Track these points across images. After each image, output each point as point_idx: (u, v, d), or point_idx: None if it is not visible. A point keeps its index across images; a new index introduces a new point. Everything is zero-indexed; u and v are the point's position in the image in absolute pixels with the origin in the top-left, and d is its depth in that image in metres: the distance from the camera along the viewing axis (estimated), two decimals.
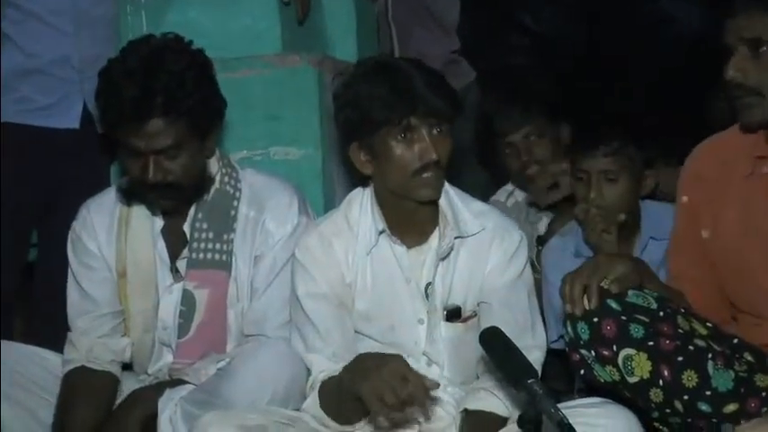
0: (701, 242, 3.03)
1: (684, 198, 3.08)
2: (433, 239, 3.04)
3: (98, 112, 3.21)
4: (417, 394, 2.64)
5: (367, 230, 3.03)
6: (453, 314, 3.02)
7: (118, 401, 3.21)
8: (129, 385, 3.27)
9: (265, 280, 3.22)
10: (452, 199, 3.05)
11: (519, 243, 3.06)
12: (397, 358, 2.72)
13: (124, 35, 3.80)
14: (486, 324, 2.89)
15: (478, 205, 3.12)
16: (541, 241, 3.77)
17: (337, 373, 2.87)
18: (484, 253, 3.03)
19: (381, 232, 3.03)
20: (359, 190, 3.10)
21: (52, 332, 3.45)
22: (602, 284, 2.77)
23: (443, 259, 3.02)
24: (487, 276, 3.03)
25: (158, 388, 3.16)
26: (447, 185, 3.06)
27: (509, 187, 4.06)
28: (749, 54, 2.79)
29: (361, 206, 3.06)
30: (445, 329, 3.01)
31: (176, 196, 3.17)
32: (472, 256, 3.04)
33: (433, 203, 3.02)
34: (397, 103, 2.90)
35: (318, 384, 2.93)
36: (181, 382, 3.16)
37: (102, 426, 3.14)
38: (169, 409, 3.05)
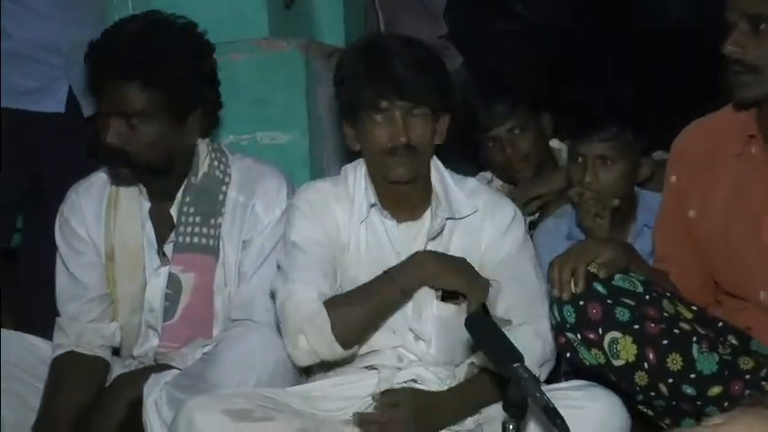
0: (688, 223, 3.03)
1: (673, 178, 3.09)
2: (426, 217, 3.05)
3: (88, 66, 3.19)
4: None
5: (361, 201, 3.04)
6: (450, 295, 3.01)
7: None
8: (114, 370, 3.27)
9: (253, 264, 3.21)
10: (445, 180, 3.06)
11: (513, 217, 3.08)
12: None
13: (111, 19, 3.78)
14: (499, 299, 2.95)
15: (470, 183, 3.13)
16: (533, 226, 3.76)
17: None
18: (477, 231, 3.04)
19: (372, 205, 3.03)
20: (355, 162, 3.12)
21: (39, 318, 3.45)
22: (589, 268, 2.77)
23: (434, 239, 3.02)
24: (485, 254, 3.04)
25: (144, 373, 3.16)
26: (441, 167, 3.07)
27: (487, 174, 4.05)
28: (749, 30, 2.78)
29: (355, 178, 3.08)
30: (437, 308, 3.00)
31: (132, 168, 3.14)
32: (466, 237, 3.05)
33: (422, 182, 3.03)
34: (373, 85, 2.93)
35: (319, 309, 2.90)
36: (166, 366, 3.15)
37: (88, 410, 3.14)
38: (154, 393, 3.05)
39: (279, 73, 3.78)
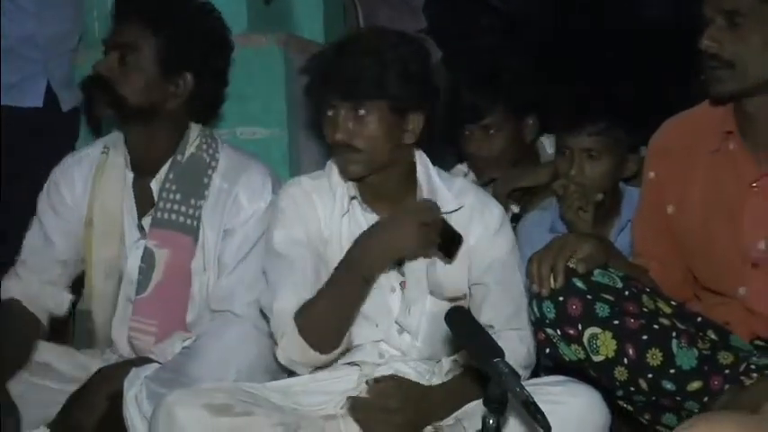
0: (667, 218, 3.05)
1: (651, 174, 3.10)
2: None
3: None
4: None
5: (342, 195, 3.03)
6: (448, 243, 2.97)
7: (83, 380, 3.17)
8: (94, 364, 3.25)
9: (235, 256, 3.22)
10: (431, 175, 3.04)
11: (501, 218, 3.07)
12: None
13: (89, 13, 3.78)
14: (484, 305, 2.94)
15: (458, 182, 3.11)
16: (516, 219, 3.77)
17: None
18: (465, 230, 3.01)
19: (353, 198, 3.03)
20: None
21: None
22: (568, 264, 2.78)
23: None
24: (473, 254, 3.02)
25: (124, 366, 3.15)
26: (427, 162, 3.06)
27: (464, 168, 4.05)
28: (725, 25, 2.80)
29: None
30: (430, 304, 3.00)
31: (112, 106, 3.17)
32: None
33: (398, 176, 3.01)
34: (322, 83, 2.93)
35: (294, 318, 2.90)
36: (147, 360, 3.16)
37: (68, 404, 3.13)
38: (135, 387, 3.05)
39: (258, 68, 3.78)
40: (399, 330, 3.01)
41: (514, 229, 3.56)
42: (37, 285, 3.27)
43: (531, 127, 3.92)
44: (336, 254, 3.00)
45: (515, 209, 3.87)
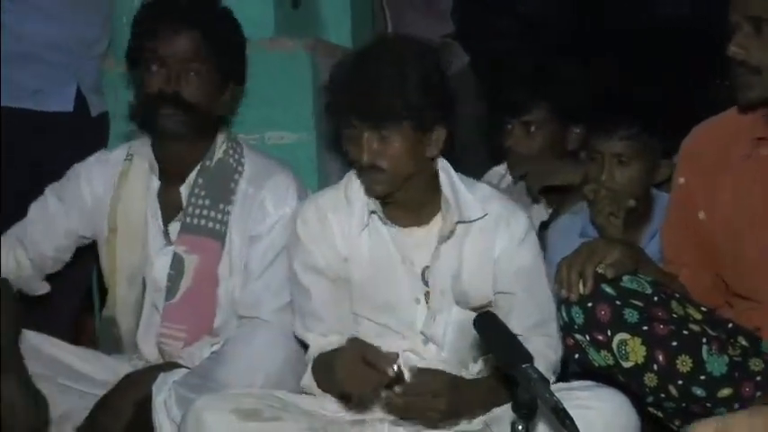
0: (697, 224, 3.03)
1: (681, 179, 3.09)
2: (435, 222, 3.02)
3: (134, 21, 3.30)
4: (378, 366, 2.72)
5: (362, 209, 3.02)
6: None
7: (112, 385, 3.18)
8: (121, 369, 3.26)
9: (261, 263, 3.22)
10: (455, 183, 3.02)
11: (527, 226, 3.04)
12: (351, 344, 2.83)
13: (118, 19, 3.79)
14: (511, 314, 2.92)
15: (483, 189, 3.08)
16: (545, 227, 3.75)
17: (328, 349, 2.93)
18: (490, 238, 3.01)
19: (372, 212, 3.02)
20: None
21: None
22: (597, 269, 2.77)
23: (444, 243, 3.00)
24: (499, 262, 3.01)
25: (151, 372, 3.17)
26: (450, 171, 3.03)
27: (501, 169, 4.05)
28: (752, 32, 2.79)
29: (360, 183, 3.03)
30: (455, 313, 3.00)
31: (183, 118, 3.19)
32: (478, 243, 3.01)
33: (423, 188, 2.99)
34: (344, 103, 2.90)
35: (311, 364, 2.97)
36: (175, 365, 3.16)
37: (96, 409, 3.14)
38: (163, 392, 3.06)
39: (285, 73, 3.77)
40: (425, 341, 3.01)
41: (544, 235, 3.57)
42: (25, 264, 3.31)
43: (577, 136, 3.90)
44: (357, 267, 3.02)
45: (545, 215, 3.86)
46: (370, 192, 2.97)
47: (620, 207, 3.41)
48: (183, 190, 3.26)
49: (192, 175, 3.26)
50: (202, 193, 3.25)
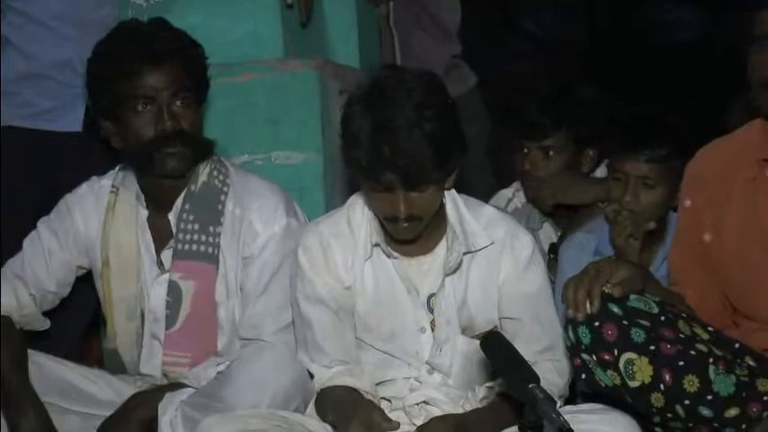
0: (704, 247, 3.02)
1: (687, 202, 3.08)
2: (440, 249, 3.00)
3: (101, 68, 3.21)
4: None
5: (365, 239, 3.00)
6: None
7: (117, 405, 3.18)
8: (127, 390, 3.26)
9: (257, 285, 3.21)
10: (461, 212, 2.99)
11: (532, 249, 3.01)
12: (369, 410, 2.81)
13: None
14: (517, 339, 2.87)
15: (488, 212, 3.05)
16: (553, 249, 3.74)
17: (330, 384, 2.95)
18: (495, 264, 2.99)
19: (376, 245, 3.00)
20: (361, 193, 3.04)
21: None
22: (604, 289, 2.76)
23: (451, 274, 2.98)
24: (503, 287, 2.99)
25: (157, 392, 3.16)
26: (456, 198, 3.01)
27: (508, 193, 4.04)
28: None
29: (363, 211, 3.02)
30: (462, 343, 2.98)
31: (185, 149, 3.17)
32: (484, 270, 2.99)
33: (433, 219, 2.95)
34: (378, 169, 2.79)
35: (314, 397, 2.98)
36: (181, 385, 3.15)
37: (101, 429, 3.13)
38: (169, 412, 3.05)
39: (293, 93, 3.78)
40: (429, 371, 3.00)
41: (551, 261, 3.55)
42: (25, 301, 3.29)
43: (591, 158, 3.89)
44: (360, 298, 3.01)
45: (554, 236, 3.85)
46: (401, 236, 2.94)
47: (641, 229, 3.40)
48: (172, 217, 3.25)
49: (179, 201, 3.24)
50: (191, 218, 3.23)
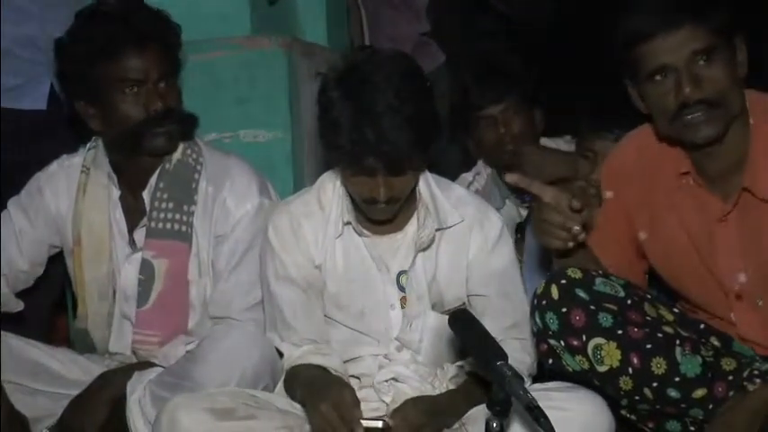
0: (637, 242, 3.03)
1: (609, 193, 3.06)
2: (410, 227, 3.02)
3: (82, 51, 3.17)
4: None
5: (336, 217, 3.01)
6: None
7: (86, 385, 3.17)
8: (96, 369, 3.25)
9: (228, 262, 3.22)
10: (433, 189, 3.03)
11: (500, 229, 3.04)
12: (340, 390, 2.79)
13: None
14: (485, 316, 2.90)
15: (457, 192, 3.09)
16: (520, 229, 3.76)
17: (299, 363, 2.94)
18: (464, 242, 3.02)
19: (347, 223, 3.02)
20: (333, 172, 3.07)
21: None
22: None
23: (424, 250, 3.01)
24: (472, 265, 3.02)
25: (126, 371, 3.16)
26: (428, 176, 3.03)
27: (469, 176, 4.05)
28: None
29: (333, 190, 3.04)
30: (432, 318, 2.99)
31: (174, 127, 3.18)
32: (453, 247, 3.02)
33: (413, 192, 2.99)
34: (360, 153, 2.79)
35: (283, 375, 2.99)
36: (150, 364, 3.16)
37: (69, 408, 3.13)
38: (138, 391, 3.06)
39: (261, 71, 3.77)
40: (398, 348, 3.01)
41: (518, 240, 3.56)
42: (4, 288, 3.28)
43: (540, 118, 3.95)
44: (332, 277, 3.02)
45: (516, 215, 3.87)
46: (378, 217, 2.96)
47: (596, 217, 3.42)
48: (146, 195, 3.24)
49: (153, 179, 3.24)
50: (165, 197, 3.23)
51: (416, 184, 2.98)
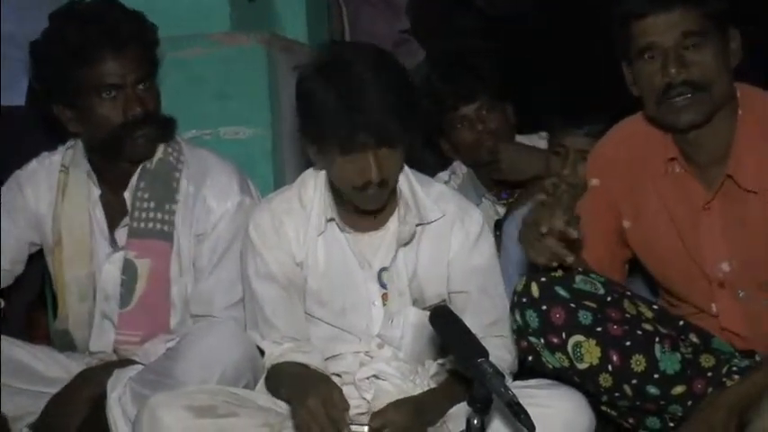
0: (621, 230, 3.04)
1: (595, 181, 3.08)
2: (391, 223, 3.03)
3: (58, 54, 3.15)
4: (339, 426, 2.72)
5: (318, 214, 3.02)
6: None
7: (66, 383, 3.16)
8: (76, 367, 3.24)
9: (210, 260, 3.22)
10: (413, 185, 3.03)
11: (481, 225, 3.05)
12: (328, 388, 2.78)
13: None
14: (465, 313, 2.90)
15: (437, 188, 3.10)
16: (498, 226, 3.77)
17: (281, 360, 2.94)
18: (445, 238, 3.02)
19: (330, 220, 3.02)
20: (313, 170, 3.07)
21: None
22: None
23: (404, 245, 3.01)
24: (453, 262, 3.03)
25: (106, 368, 3.15)
26: (408, 172, 3.04)
27: (444, 176, 4.05)
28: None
29: (315, 187, 3.04)
30: (413, 314, 2.99)
31: (152, 131, 3.17)
32: (434, 243, 3.03)
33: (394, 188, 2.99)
34: (349, 128, 2.81)
35: (264, 373, 2.99)
36: (130, 362, 3.15)
37: (49, 406, 3.13)
38: (118, 389, 3.05)
39: (241, 67, 3.75)
40: (379, 345, 3.01)
41: (497, 237, 3.57)
42: None
43: (512, 113, 3.95)
44: (314, 274, 3.02)
45: (493, 212, 3.88)
46: (370, 206, 2.96)
47: (577, 201, 3.42)
48: (127, 195, 3.23)
49: (134, 178, 3.23)
50: (146, 196, 3.22)
51: (397, 181, 2.99)
